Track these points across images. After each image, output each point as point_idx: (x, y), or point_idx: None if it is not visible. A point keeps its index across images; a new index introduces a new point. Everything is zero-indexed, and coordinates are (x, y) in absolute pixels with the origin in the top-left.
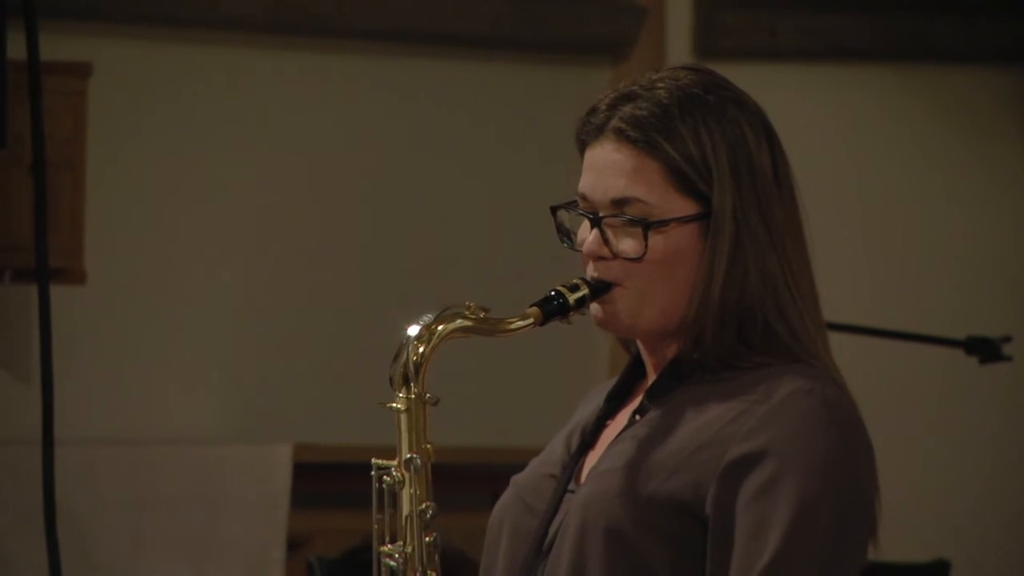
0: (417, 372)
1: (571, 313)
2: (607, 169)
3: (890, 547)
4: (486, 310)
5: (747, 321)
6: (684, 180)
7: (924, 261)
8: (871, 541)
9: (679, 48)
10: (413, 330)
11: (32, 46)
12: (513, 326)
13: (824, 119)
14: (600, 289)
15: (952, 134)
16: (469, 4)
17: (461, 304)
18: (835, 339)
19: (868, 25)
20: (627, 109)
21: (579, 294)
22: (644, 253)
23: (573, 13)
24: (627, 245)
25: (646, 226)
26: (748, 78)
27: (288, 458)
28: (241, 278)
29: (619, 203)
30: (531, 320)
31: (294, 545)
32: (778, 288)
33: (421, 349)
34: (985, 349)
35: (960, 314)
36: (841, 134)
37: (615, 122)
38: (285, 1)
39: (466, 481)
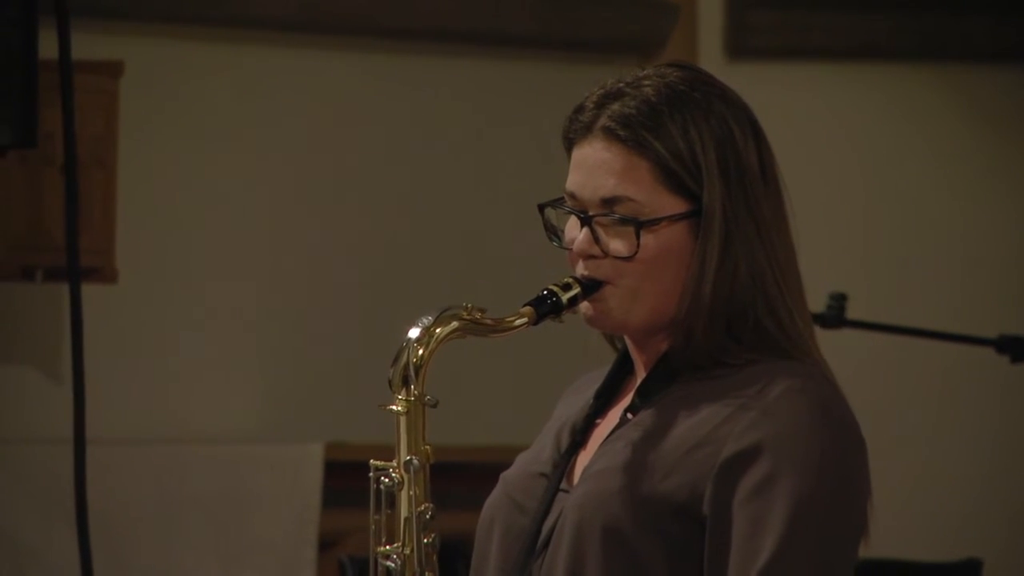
0: (416, 374)
1: (564, 312)
2: (596, 168)
3: (922, 546)
4: (482, 310)
5: (737, 318)
6: (674, 178)
7: (955, 260)
8: (863, 538)
9: (710, 47)
10: (413, 332)
11: (63, 45)
12: (508, 326)
13: (854, 118)
14: (592, 287)
15: (983, 133)
16: (499, 3)
17: (459, 305)
18: (865, 338)
19: (899, 24)
20: (615, 107)
21: (572, 293)
22: (636, 252)
23: (604, 12)
24: (618, 244)
25: (638, 225)
26: (779, 77)
27: (320, 457)
28: (273, 276)
29: (609, 202)
30: (525, 319)
31: (326, 544)
32: (767, 284)
33: (420, 351)
34: (1016, 348)
35: (991, 313)
36: (872, 133)
37: (603, 120)
38: (316, 1)
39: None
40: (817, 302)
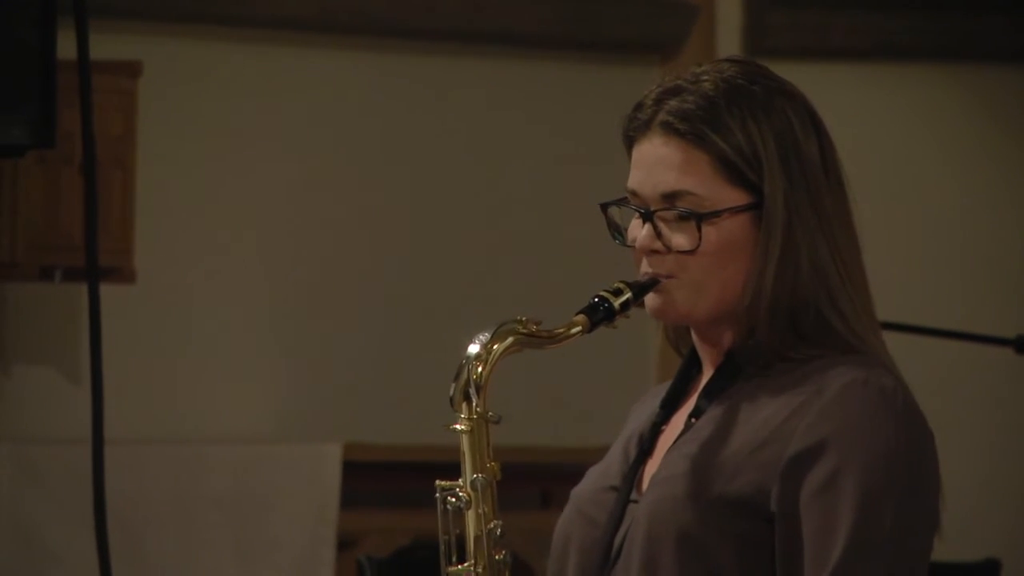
0: (478, 391)
1: (617, 317)
2: (656, 164)
3: (939, 546)
4: (537, 323)
5: (800, 311)
6: (734, 171)
7: (973, 260)
8: (937, 529)
9: (729, 47)
10: (472, 349)
11: (82, 45)
12: (563, 336)
13: (874, 118)
14: (643, 289)
15: (1002, 133)
16: (518, 4)
17: (515, 320)
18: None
19: (918, 24)
20: (673, 103)
21: (623, 298)
22: (698, 245)
23: (623, 12)
24: (680, 238)
25: (699, 218)
26: (797, 77)
27: (338, 457)
28: (291, 277)
29: (670, 197)
30: (579, 328)
31: (344, 544)
32: (830, 277)
33: (480, 369)
34: None
35: (1010, 312)
36: (890, 133)
37: (662, 116)
38: (336, 1)
39: (516, 480)
40: None
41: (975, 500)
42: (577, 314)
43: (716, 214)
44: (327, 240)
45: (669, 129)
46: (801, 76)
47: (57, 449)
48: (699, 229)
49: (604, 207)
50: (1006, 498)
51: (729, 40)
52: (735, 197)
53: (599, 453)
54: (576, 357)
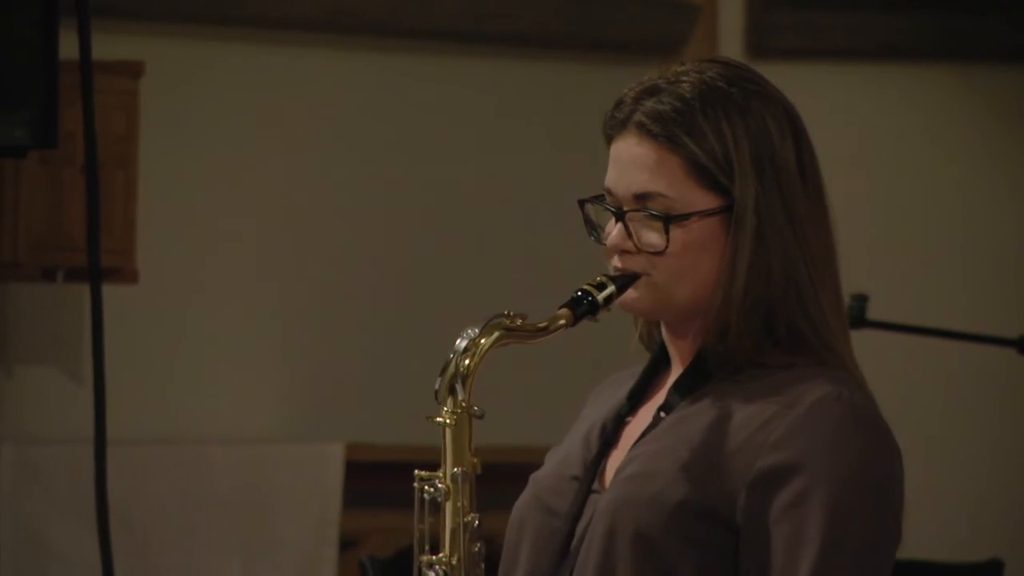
0: (463, 385)
1: (600, 311)
2: (630, 164)
3: (943, 547)
4: (523, 317)
5: (772, 317)
6: (705, 174)
7: (976, 260)
8: (898, 546)
9: (731, 48)
10: (460, 343)
11: (84, 45)
12: (548, 330)
13: (876, 119)
14: (626, 284)
15: (1005, 133)
16: (520, 4)
17: (502, 313)
18: (886, 338)
19: (921, 24)
20: (649, 104)
21: (606, 292)
22: (666, 247)
23: (625, 12)
24: (650, 239)
25: (667, 220)
26: (799, 78)
27: (340, 457)
28: (294, 277)
29: (641, 197)
30: (563, 322)
31: (346, 544)
32: (800, 283)
33: (467, 362)
34: None
35: (1013, 313)
36: (893, 133)
37: (638, 116)
38: (338, 2)
39: (509, 479)
40: None
41: (978, 501)
42: (561, 308)
43: (685, 217)
44: (330, 240)
45: (643, 130)
46: (803, 76)
47: (60, 449)
48: (667, 231)
49: (581, 204)
50: (1009, 499)
51: (731, 40)
52: (706, 200)
53: None
54: (570, 356)
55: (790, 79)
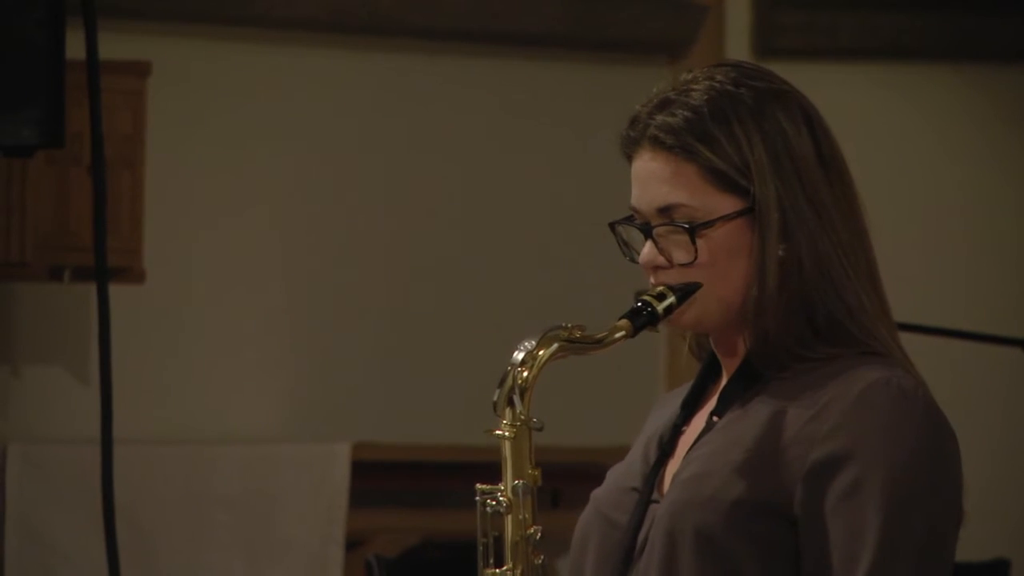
0: (522, 397)
1: (660, 322)
2: (649, 179)
3: None
4: (582, 328)
5: (810, 309)
6: (723, 179)
7: (984, 260)
8: (961, 525)
9: (738, 47)
10: (517, 355)
11: (91, 45)
12: (607, 341)
13: (883, 118)
14: (687, 293)
15: (1011, 133)
16: (526, 3)
17: (559, 325)
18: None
19: (927, 24)
20: (660, 118)
21: (667, 302)
22: (695, 257)
23: (632, 12)
24: (679, 251)
25: (691, 230)
26: (807, 77)
27: (347, 456)
28: (300, 277)
29: (664, 211)
30: (623, 333)
31: (352, 544)
32: (833, 272)
33: (525, 374)
34: None
35: (1018, 313)
36: (900, 133)
37: (651, 131)
38: (344, 1)
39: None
40: None
41: (984, 500)
42: (620, 319)
43: (708, 224)
44: (337, 240)
45: (657, 144)
46: (810, 76)
47: (66, 449)
48: (693, 241)
49: (612, 226)
50: (1015, 497)
51: (738, 40)
52: (728, 204)
53: (609, 453)
54: (584, 358)
55: (797, 79)
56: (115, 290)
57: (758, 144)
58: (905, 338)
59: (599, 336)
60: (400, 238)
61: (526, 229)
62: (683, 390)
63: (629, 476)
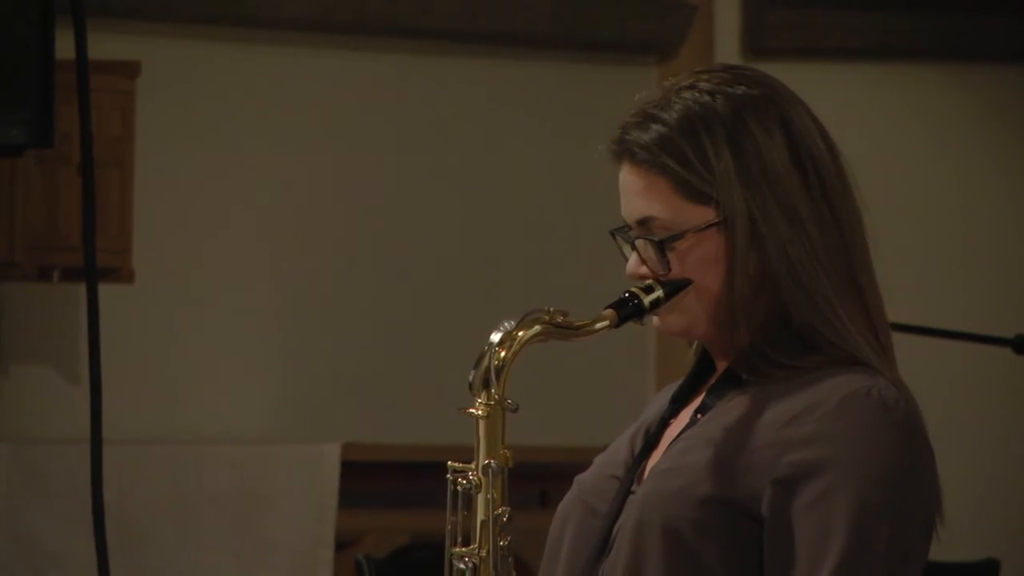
0: (498, 377)
1: (646, 315)
2: (628, 191)
3: (939, 546)
4: (564, 314)
5: (786, 318)
6: (691, 191)
7: (973, 259)
8: (934, 539)
9: (727, 47)
10: (495, 336)
11: (80, 45)
12: (588, 328)
13: (873, 118)
14: (676, 289)
15: (1002, 133)
16: (516, 4)
17: (540, 309)
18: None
19: (917, 24)
20: (636, 133)
21: (654, 295)
22: (668, 269)
23: (621, 13)
24: (657, 262)
25: (659, 244)
26: (796, 77)
27: (336, 457)
28: (289, 277)
29: (642, 223)
30: (607, 322)
31: (342, 544)
32: (805, 277)
33: (502, 354)
34: None
35: (1010, 312)
36: (890, 133)
37: (628, 146)
38: (334, 2)
39: (514, 479)
40: None
41: (974, 500)
42: (606, 308)
43: (677, 237)
44: (326, 240)
45: (632, 157)
46: (799, 76)
47: (55, 449)
48: (663, 254)
49: (612, 234)
50: (1005, 498)
51: (727, 40)
52: (699, 216)
53: (598, 453)
54: (575, 356)
55: (786, 79)
56: (104, 290)
57: (725, 153)
58: (899, 338)
59: (582, 323)
60: (390, 238)
61: (518, 230)
62: (679, 383)
63: (613, 464)
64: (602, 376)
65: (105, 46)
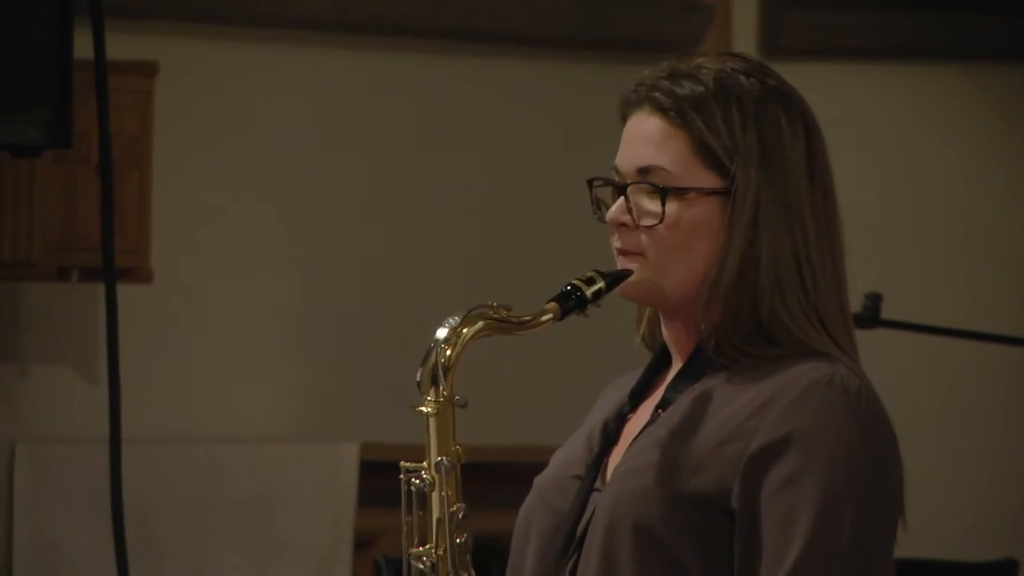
0: (445, 375)
1: (589, 306)
2: (637, 138)
3: (958, 546)
4: (508, 308)
5: (757, 308)
6: (709, 154)
7: (985, 259)
8: (901, 527)
9: (744, 47)
10: (441, 332)
11: (98, 45)
12: (533, 322)
13: (888, 117)
14: (616, 280)
15: (1015, 133)
16: (533, 3)
17: (485, 304)
18: (900, 337)
19: (933, 24)
20: (666, 83)
21: (595, 287)
22: (662, 219)
23: (637, 12)
24: (647, 209)
25: (664, 191)
26: (813, 77)
27: (355, 456)
28: (308, 277)
29: (644, 171)
30: (550, 315)
31: (361, 544)
32: (786, 275)
33: (448, 352)
34: None
35: (1019, 311)
36: (904, 132)
37: (653, 93)
38: (351, 1)
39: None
40: (852, 302)
41: (990, 499)
42: (549, 302)
43: (682, 191)
44: (345, 239)
45: (655, 105)
46: (816, 75)
47: (74, 449)
48: (663, 202)
49: (590, 183)
50: (1018, 496)
51: (744, 40)
52: (707, 179)
53: None
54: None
55: (802, 78)
56: (123, 290)
57: (752, 132)
58: (907, 337)
59: (526, 317)
60: (407, 237)
61: (532, 230)
62: (631, 378)
63: (572, 463)
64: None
65: (123, 46)
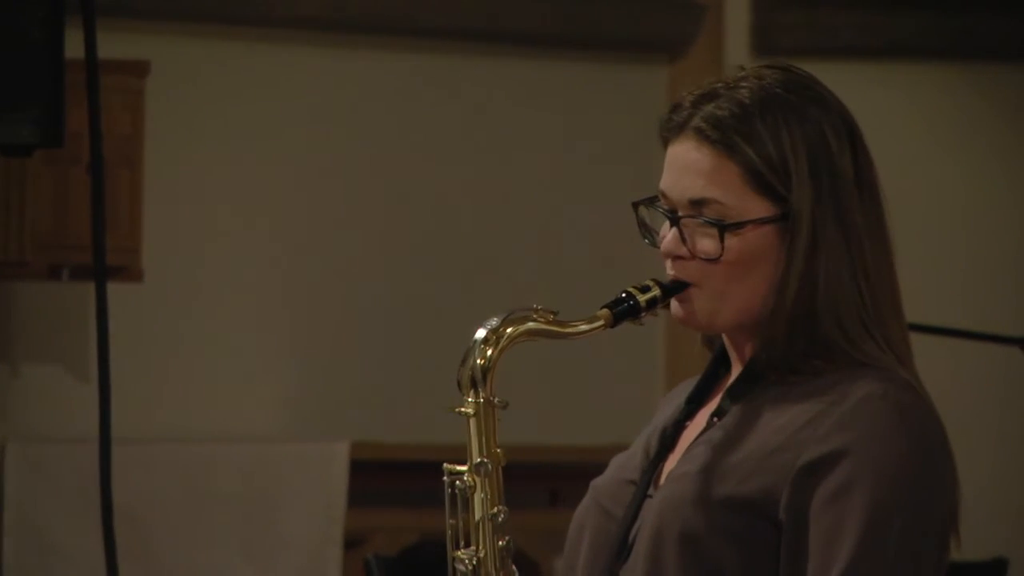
0: (485, 376)
1: (642, 315)
2: (686, 168)
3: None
4: (554, 313)
5: (814, 326)
6: (762, 182)
7: (983, 259)
8: (953, 543)
9: (737, 47)
10: (480, 333)
11: (90, 44)
12: (582, 329)
13: (883, 118)
14: (672, 290)
15: (1012, 132)
16: (526, 3)
17: (528, 307)
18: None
19: (927, 23)
20: (708, 108)
21: (650, 295)
22: (721, 254)
23: (631, 12)
24: (704, 245)
25: (722, 228)
26: None
27: (345, 456)
28: (299, 276)
29: (697, 203)
30: (601, 322)
31: (351, 543)
32: (847, 294)
33: (489, 352)
34: None
35: (1017, 312)
36: (900, 132)
37: (696, 121)
38: (344, 0)
39: (524, 479)
40: None
41: (982, 499)
42: (601, 308)
43: (740, 225)
44: (335, 239)
45: (701, 135)
46: None
47: (65, 448)
48: (722, 239)
49: (635, 205)
50: (1014, 497)
51: (737, 39)
52: (761, 208)
53: (607, 452)
54: (584, 356)
55: None
56: (114, 289)
57: (801, 152)
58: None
59: (573, 323)
60: (401, 237)
61: (528, 228)
62: (693, 382)
63: (629, 468)
64: (610, 376)
65: (114, 45)
